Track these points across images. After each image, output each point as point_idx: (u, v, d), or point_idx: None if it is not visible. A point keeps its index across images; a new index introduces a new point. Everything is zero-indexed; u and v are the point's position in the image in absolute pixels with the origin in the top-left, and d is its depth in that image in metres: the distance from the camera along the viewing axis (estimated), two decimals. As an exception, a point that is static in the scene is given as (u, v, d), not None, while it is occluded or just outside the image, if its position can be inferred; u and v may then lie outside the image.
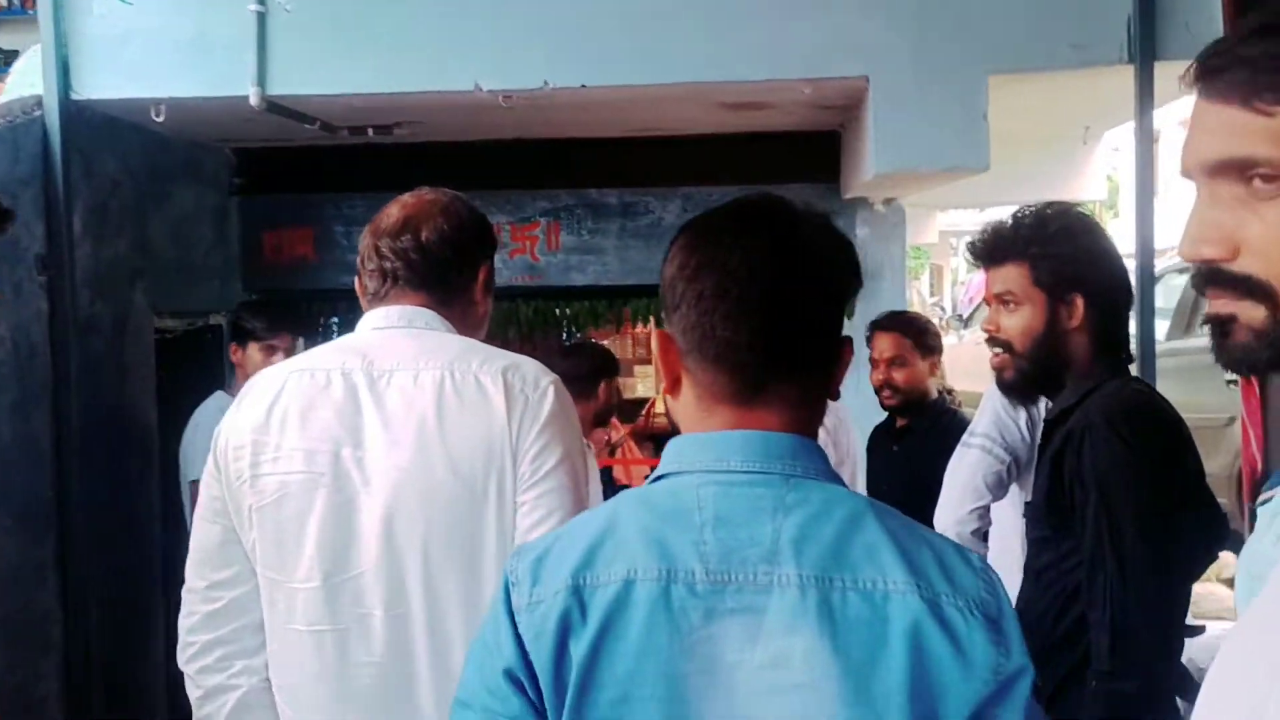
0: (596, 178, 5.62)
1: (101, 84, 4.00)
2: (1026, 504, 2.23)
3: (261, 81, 3.98)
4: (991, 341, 2.16)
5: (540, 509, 1.62)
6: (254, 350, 3.99)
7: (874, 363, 3.57)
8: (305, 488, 1.64)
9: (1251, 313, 0.81)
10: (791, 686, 1.00)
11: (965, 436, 2.58)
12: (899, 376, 3.52)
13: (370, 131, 4.92)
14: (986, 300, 2.17)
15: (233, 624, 1.71)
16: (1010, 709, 1.01)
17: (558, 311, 5.98)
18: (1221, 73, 0.82)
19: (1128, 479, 1.96)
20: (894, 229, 5.60)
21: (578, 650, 1.04)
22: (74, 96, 3.96)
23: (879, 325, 3.61)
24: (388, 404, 1.65)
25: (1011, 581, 2.63)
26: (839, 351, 1.15)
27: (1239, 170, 0.80)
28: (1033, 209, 2.15)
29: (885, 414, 3.73)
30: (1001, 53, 3.71)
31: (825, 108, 4.46)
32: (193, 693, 1.74)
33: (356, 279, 1.85)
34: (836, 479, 1.11)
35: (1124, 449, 1.97)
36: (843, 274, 1.16)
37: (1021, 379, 2.17)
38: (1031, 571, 2.21)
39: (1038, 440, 2.50)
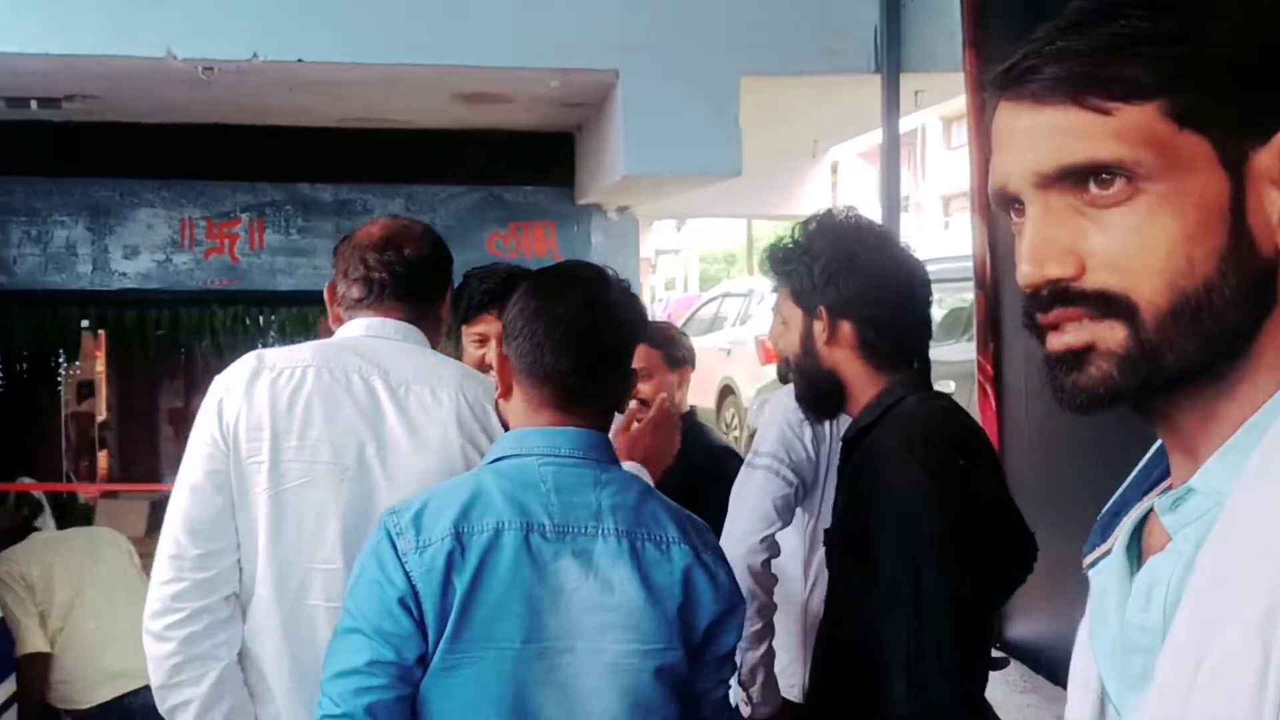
0: (309, 171, 5.09)
1: None
2: (826, 531, 2.04)
3: (-114, 29, 3.23)
4: (786, 362, 2.03)
5: None
6: None
7: None
8: (331, 478, 1.79)
9: (1110, 335, 0.71)
10: (614, 605, 1.45)
11: (750, 456, 2.35)
12: (645, 390, 3.28)
13: (34, 104, 4.17)
14: None
15: (220, 593, 1.80)
16: (733, 626, 1.55)
17: (261, 319, 5.37)
18: (1040, 70, 0.72)
19: (926, 509, 1.80)
20: (628, 237, 5.44)
21: (460, 581, 1.41)
22: None
23: None
24: (411, 412, 1.85)
25: (792, 612, 2.45)
26: (630, 379, 1.64)
27: (1076, 177, 0.71)
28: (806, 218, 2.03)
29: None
30: (754, 54, 3.59)
31: (568, 105, 4.20)
32: (168, 659, 1.78)
33: (328, 287, 1.99)
34: (619, 464, 1.60)
35: (922, 476, 1.81)
36: (637, 324, 1.64)
37: (800, 398, 2.03)
38: (832, 604, 2.02)
39: (823, 459, 2.33)
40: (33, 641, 3.69)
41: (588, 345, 1.54)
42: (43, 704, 3.56)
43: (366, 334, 1.91)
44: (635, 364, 3.39)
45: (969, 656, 1.85)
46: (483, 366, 2.55)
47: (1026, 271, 0.72)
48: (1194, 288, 0.69)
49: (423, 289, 1.95)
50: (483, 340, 2.60)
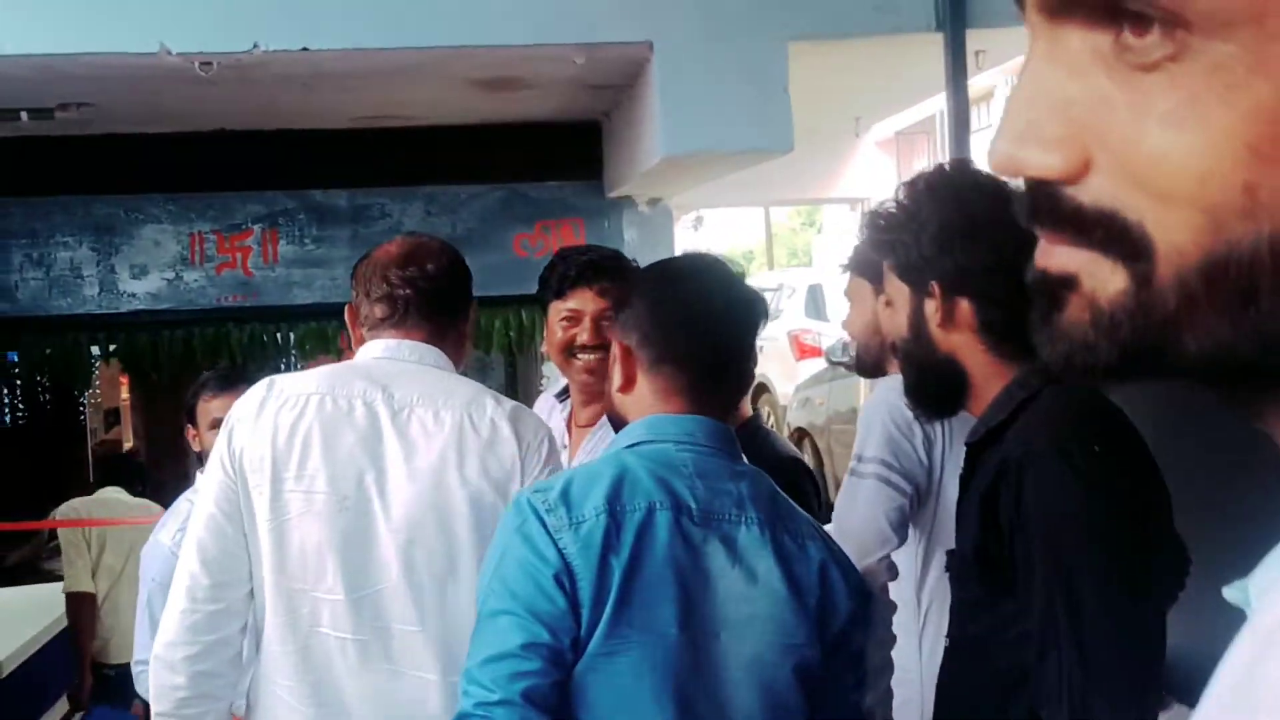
0: (321, 176, 4.80)
1: None
2: (949, 554, 1.72)
3: None
4: (893, 349, 1.72)
5: None
6: None
7: None
8: (329, 508, 1.80)
9: (1102, 276, 0.45)
10: (757, 596, 1.45)
11: (853, 463, 2.03)
12: None
13: (24, 116, 3.89)
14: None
15: (233, 626, 1.83)
16: (862, 624, 1.55)
17: (279, 335, 5.08)
18: None
19: (1084, 527, 1.52)
20: (661, 230, 5.12)
21: (617, 561, 1.39)
22: None
23: None
24: (410, 436, 1.83)
25: (905, 645, 2.12)
26: (752, 373, 1.68)
27: (1100, 9, 0.42)
28: (909, 180, 1.72)
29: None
30: (802, 16, 3.25)
31: (594, 87, 3.88)
32: (176, 691, 1.80)
33: (348, 307, 1.97)
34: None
35: (1079, 485, 1.53)
36: (759, 317, 1.61)
37: (911, 393, 1.72)
38: (960, 642, 1.70)
39: (936, 465, 2.00)
40: (81, 581, 4.27)
41: (721, 334, 1.54)
42: (91, 655, 4.17)
43: (381, 355, 1.92)
44: None
45: (1142, 704, 1.54)
46: (570, 347, 2.34)
47: (997, 149, 0.46)
48: (1251, 235, 0.41)
49: (447, 304, 1.95)
50: (574, 318, 2.34)
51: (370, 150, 4.74)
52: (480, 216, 4.94)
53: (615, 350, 1.57)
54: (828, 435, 8.35)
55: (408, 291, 1.90)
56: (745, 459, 2.34)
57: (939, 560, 1.96)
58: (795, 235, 31.72)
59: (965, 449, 1.73)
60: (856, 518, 1.97)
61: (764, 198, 6.87)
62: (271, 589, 1.82)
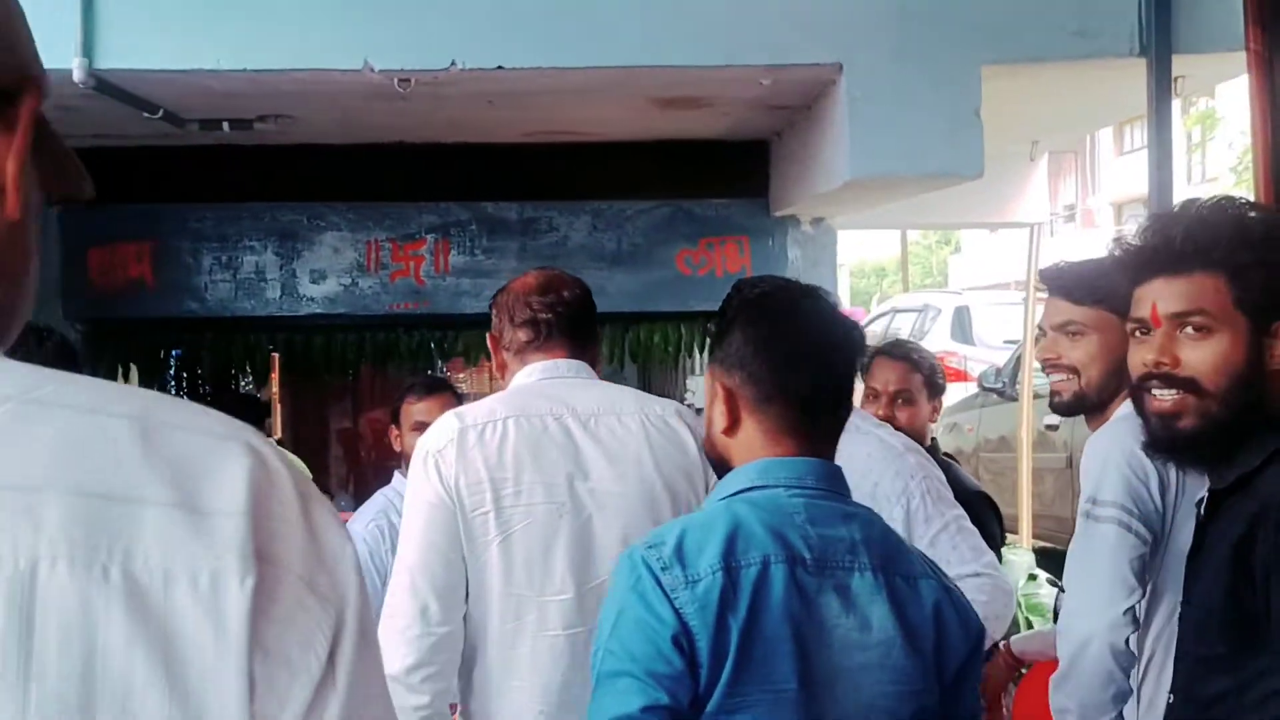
0: (493, 189, 4.92)
1: None
2: (1185, 605, 1.65)
3: (88, 52, 3.15)
4: (1167, 380, 1.60)
5: None
6: None
7: (874, 394, 2.94)
8: (550, 516, 1.97)
9: None
10: (873, 642, 1.44)
11: (1086, 505, 1.94)
12: (903, 416, 2.91)
13: (226, 126, 4.10)
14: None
15: (459, 643, 1.98)
16: (977, 662, 1.55)
17: (446, 343, 5.22)
18: None
19: None
20: (825, 250, 5.08)
21: (736, 620, 1.38)
22: None
23: (884, 352, 3.01)
24: (604, 441, 2.02)
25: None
26: (851, 405, 1.62)
27: None
28: (1214, 201, 1.62)
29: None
30: (995, 40, 3.20)
31: (771, 108, 3.88)
32: (417, 711, 1.93)
33: (489, 336, 2.16)
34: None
35: None
36: (861, 348, 1.62)
37: (1211, 430, 1.59)
38: (1196, 699, 1.62)
39: (1169, 512, 1.91)
40: None
41: (831, 365, 1.53)
42: None
43: (544, 377, 2.08)
44: (894, 384, 3.09)
45: None
46: None
47: None
48: None
49: (582, 328, 2.12)
50: None
51: (540, 164, 4.83)
52: (645, 232, 4.98)
53: (713, 390, 1.53)
54: (975, 461, 8.15)
55: (549, 316, 2.08)
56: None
57: (1164, 610, 1.88)
58: (930, 253, 31.07)
59: (1208, 495, 1.65)
60: (1102, 565, 1.86)
61: (934, 219, 6.74)
62: (500, 598, 1.97)
